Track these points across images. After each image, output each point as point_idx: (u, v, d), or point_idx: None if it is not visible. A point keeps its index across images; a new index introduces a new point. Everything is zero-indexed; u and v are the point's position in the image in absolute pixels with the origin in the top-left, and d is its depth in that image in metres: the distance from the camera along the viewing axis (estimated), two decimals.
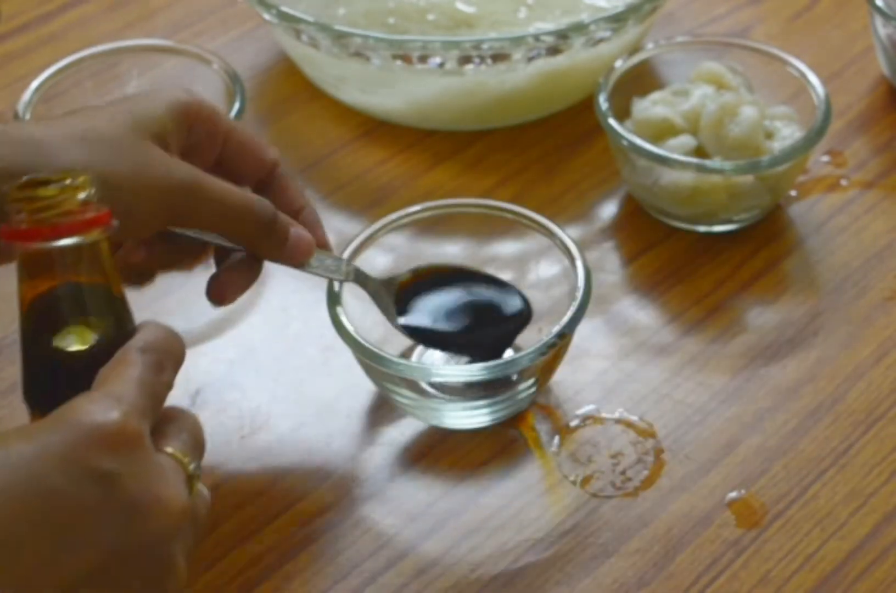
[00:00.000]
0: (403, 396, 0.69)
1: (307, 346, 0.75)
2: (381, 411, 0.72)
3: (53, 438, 0.47)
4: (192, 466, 0.51)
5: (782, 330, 0.75)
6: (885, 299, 0.77)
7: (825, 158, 0.85)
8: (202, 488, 0.53)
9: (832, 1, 0.97)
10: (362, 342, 0.67)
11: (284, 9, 0.83)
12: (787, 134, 0.80)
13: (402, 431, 0.71)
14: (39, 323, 0.53)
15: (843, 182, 0.84)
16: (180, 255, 0.65)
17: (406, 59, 0.82)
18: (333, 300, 0.68)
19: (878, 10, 0.86)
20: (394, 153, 0.87)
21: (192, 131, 0.63)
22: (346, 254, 0.70)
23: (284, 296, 0.78)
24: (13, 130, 0.58)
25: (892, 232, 0.81)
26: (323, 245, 0.68)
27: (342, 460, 0.70)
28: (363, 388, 0.72)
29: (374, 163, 0.87)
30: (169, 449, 0.51)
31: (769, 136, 0.80)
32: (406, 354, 0.72)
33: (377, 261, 0.72)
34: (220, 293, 0.64)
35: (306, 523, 0.67)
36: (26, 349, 0.54)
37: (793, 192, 0.83)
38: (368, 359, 0.67)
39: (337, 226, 0.82)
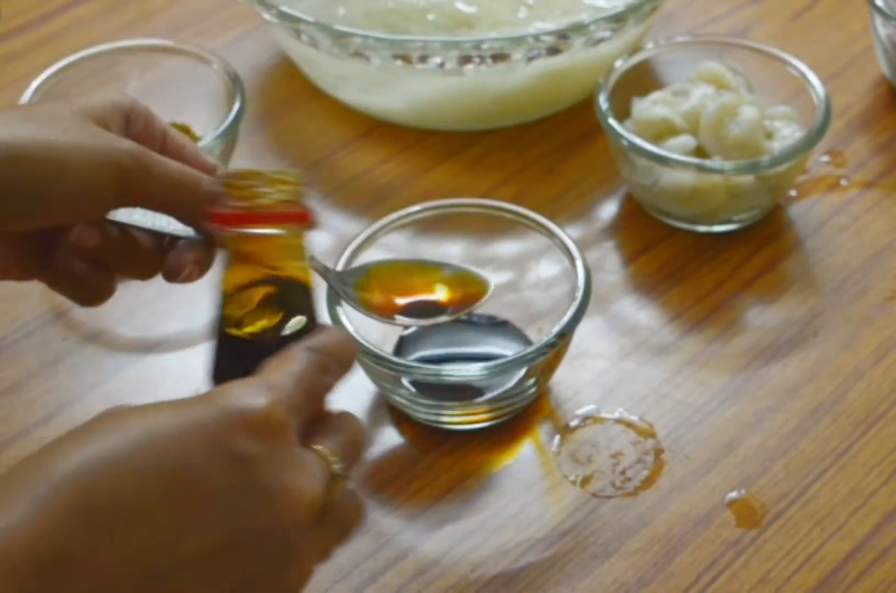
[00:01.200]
0: (403, 396, 0.69)
1: None
2: (381, 411, 0.72)
3: (202, 416, 0.48)
4: (336, 466, 0.51)
5: (782, 330, 0.75)
6: (885, 299, 0.77)
7: (825, 158, 0.85)
8: (354, 493, 0.52)
9: (832, 1, 0.97)
10: (363, 342, 0.67)
11: (284, 9, 0.83)
12: (787, 134, 0.80)
13: (402, 431, 0.71)
14: (233, 309, 0.55)
15: (843, 182, 0.84)
16: (135, 252, 0.64)
17: (406, 59, 0.82)
18: (333, 300, 0.68)
19: (878, 10, 0.86)
20: (394, 153, 0.87)
21: (130, 123, 0.62)
22: (346, 254, 0.70)
23: None
24: None
25: (892, 232, 0.81)
26: None
27: None
28: (363, 388, 0.72)
29: (374, 163, 0.87)
30: (317, 447, 0.51)
31: (769, 136, 0.80)
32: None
33: None
34: (174, 267, 0.62)
35: None
36: (218, 333, 0.56)
37: (793, 192, 0.83)
38: (368, 359, 0.67)
39: (337, 226, 0.82)
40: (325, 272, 0.68)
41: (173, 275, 0.62)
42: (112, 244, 0.62)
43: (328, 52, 0.84)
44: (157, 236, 0.63)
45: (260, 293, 0.55)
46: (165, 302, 0.77)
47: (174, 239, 0.63)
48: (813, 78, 0.81)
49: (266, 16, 0.84)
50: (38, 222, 0.60)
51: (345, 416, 0.54)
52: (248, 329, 0.56)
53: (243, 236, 0.55)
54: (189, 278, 0.62)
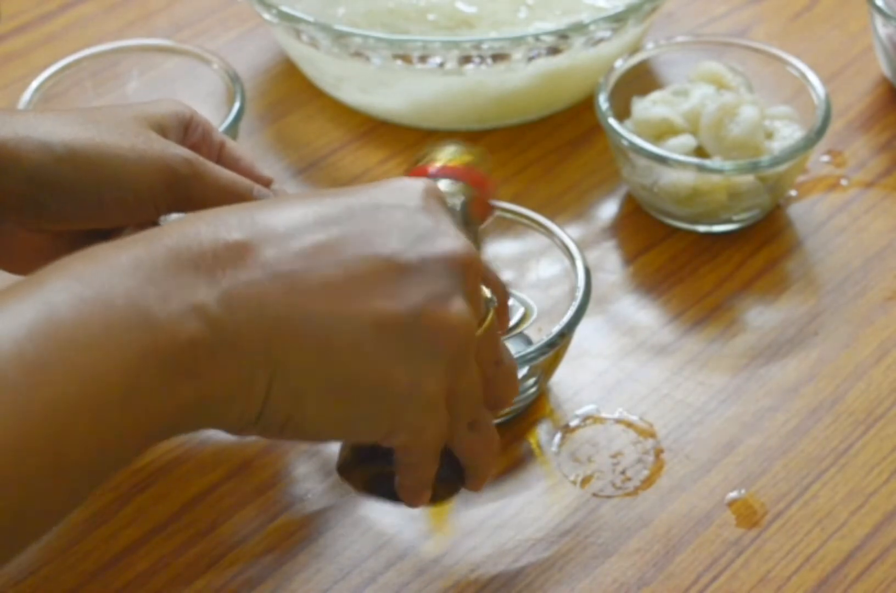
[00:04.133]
0: None
1: None
2: None
3: (413, 181, 0.55)
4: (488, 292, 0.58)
5: (782, 329, 0.75)
6: (885, 299, 0.77)
7: (825, 158, 0.85)
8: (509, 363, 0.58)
9: (832, 1, 0.97)
10: None
11: (284, 9, 0.83)
12: (787, 134, 0.80)
13: None
14: None
15: (843, 182, 0.84)
16: None
17: (406, 59, 0.82)
18: None
19: (878, 10, 0.86)
20: (394, 153, 0.87)
21: (188, 132, 0.64)
22: None
23: None
24: (6, 114, 0.60)
25: (892, 232, 0.81)
26: None
27: None
28: None
29: (374, 163, 0.87)
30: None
31: (769, 136, 0.80)
32: None
33: None
34: None
35: (306, 523, 0.67)
36: None
37: (793, 192, 0.83)
38: None
39: None
40: None
41: None
42: None
43: (328, 52, 0.84)
44: None
45: None
46: None
47: None
48: (813, 78, 0.81)
49: (266, 16, 0.84)
50: (92, 223, 0.60)
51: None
52: None
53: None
54: None
